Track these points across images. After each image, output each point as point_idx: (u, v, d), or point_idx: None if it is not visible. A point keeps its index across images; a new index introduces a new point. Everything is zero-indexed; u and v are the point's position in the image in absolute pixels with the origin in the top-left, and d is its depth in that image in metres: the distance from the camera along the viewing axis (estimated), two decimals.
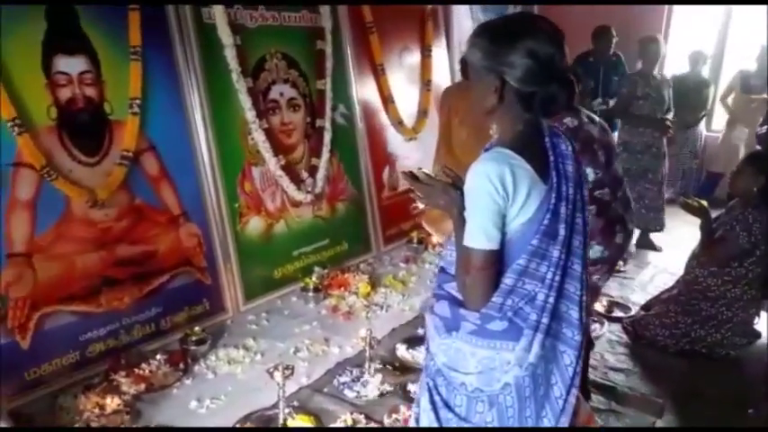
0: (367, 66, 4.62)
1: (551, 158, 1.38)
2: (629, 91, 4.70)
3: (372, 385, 2.88)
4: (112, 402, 2.68)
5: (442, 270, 1.52)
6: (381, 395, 2.83)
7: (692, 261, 3.37)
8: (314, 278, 3.91)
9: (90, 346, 3.01)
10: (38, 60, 2.82)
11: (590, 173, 2.58)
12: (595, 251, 2.60)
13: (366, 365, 2.96)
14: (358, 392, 2.86)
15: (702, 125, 6.24)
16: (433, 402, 1.51)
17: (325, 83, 4.15)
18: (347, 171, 4.40)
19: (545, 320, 1.36)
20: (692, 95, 5.95)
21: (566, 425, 1.44)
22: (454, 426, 1.46)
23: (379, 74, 4.66)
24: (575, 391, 1.44)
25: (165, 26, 3.33)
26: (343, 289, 3.89)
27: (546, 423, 1.43)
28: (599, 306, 3.82)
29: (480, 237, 1.33)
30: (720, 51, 6.36)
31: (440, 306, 1.47)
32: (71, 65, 2.93)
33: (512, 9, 6.36)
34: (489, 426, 1.41)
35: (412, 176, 1.51)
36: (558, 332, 1.41)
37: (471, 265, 1.36)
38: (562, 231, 1.36)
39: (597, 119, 2.68)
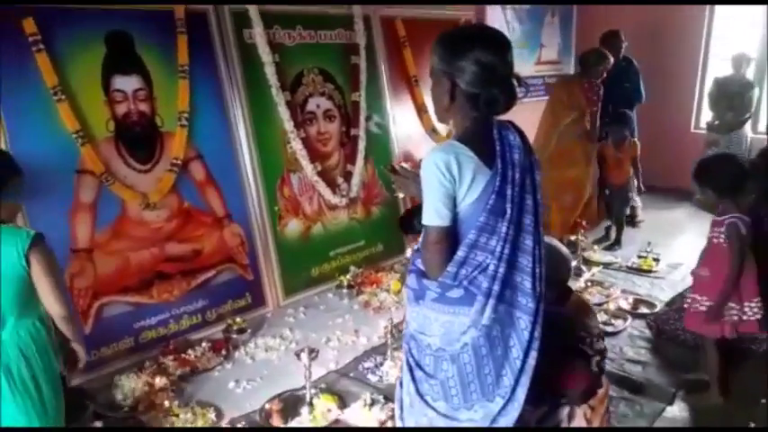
0: (401, 78, 4.88)
1: (498, 148, 1.59)
2: None
3: (393, 370, 3.09)
4: (160, 382, 3.01)
5: (417, 250, 1.74)
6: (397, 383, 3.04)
7: None
8: (349, 276, 4.18)
9: (143, 333, 3.38)
10: (98, 80, 3.24)
11: None
12: None
13: (388, 352, 3.19)
14: (380, 377, 3.09)
15: (748, 127, 6.15)
16: (408, 364, 1.73)
17: (359, 95, 4.44)
18: (381, 177, 4.66)
19: (496, 287, 1.56)
20: (736, 98, 5.90)
21: (525, 384, 1.63)
22: (424, 381, 1.67)
23: (412, 85, 4.91)
24: (533, 354, 1.63)
25: (210, 46, 3.71)
26: (375, 286, 4.13)
27: (506, 381, 1.62)
28: (624, 303, 3.91)
29: (433, 215, 1.56)
30: (765, 53, 6.25)
31: (410, 279, 1.69)
32: (127, 83, 3.33)
33: (549, 17, 6.52)
34: (451, 380, 1.62)
35: (392, 170, 1.77)
36: (513, 300, 1.61)
37: (428, 240, 1.59)
38: (509, 210, 1.56)
39: None
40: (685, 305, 2.98)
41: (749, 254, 2.74)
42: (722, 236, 2.72)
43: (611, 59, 4.95)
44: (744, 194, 2.84)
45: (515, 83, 1.59)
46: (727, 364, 2.96)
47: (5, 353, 1.88)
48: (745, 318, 2.73)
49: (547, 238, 2.53)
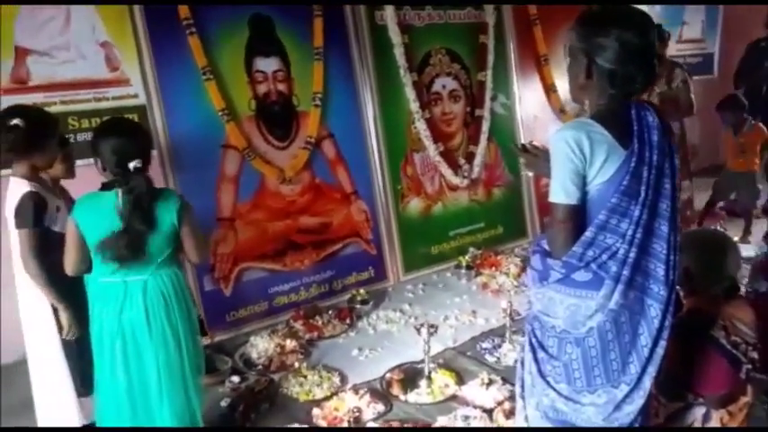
0: (530, 57, 4.80)
1: (635, 128, 1.56)
2: None
3: (511, 353, 3.12)
4: (290, 344, 3.24)
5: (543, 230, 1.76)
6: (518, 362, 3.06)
7: None
8: (468, 257, 4.23)
9: (276, 299, 3.64)
10: (242, 61, 3.48)
11: None
12: None
13: (507, 335, 3.22)
14: (498, 358, 3.13)
15: None
16: (531, 344, 1.75)
17: (485, 74, 4.43)
18: (504, 158, 4.63)
19: (626, 273, 1.53)
20: None
21: (652, 374, 1.61)
22: (546, 362, 1.69)
23: (541, 64, 4.81)
24: (663, 343, 1.60)
25: (344, 29, 3.86)
26: (494, 269, 4.15)
27: (632, 368, 1.60)
28: None
29: (560, 193, 1.56)
30: None
31: (534, 259, 1.70)
32: (267, 65, 3.56)
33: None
34: (574, 362, 1.63)
35: (522, 148, 1.79)
36: (644, 287, 1.58)
37: (554, 218, 1.59)
38: (643, 192, 1.53)
39: None
40: None
41: None
42: None
43: None
44: None
45: (656, 63, 1.56)
46: None
47: (148, 294, 2.09)
48: None
49: (713, 229, 2.43)
